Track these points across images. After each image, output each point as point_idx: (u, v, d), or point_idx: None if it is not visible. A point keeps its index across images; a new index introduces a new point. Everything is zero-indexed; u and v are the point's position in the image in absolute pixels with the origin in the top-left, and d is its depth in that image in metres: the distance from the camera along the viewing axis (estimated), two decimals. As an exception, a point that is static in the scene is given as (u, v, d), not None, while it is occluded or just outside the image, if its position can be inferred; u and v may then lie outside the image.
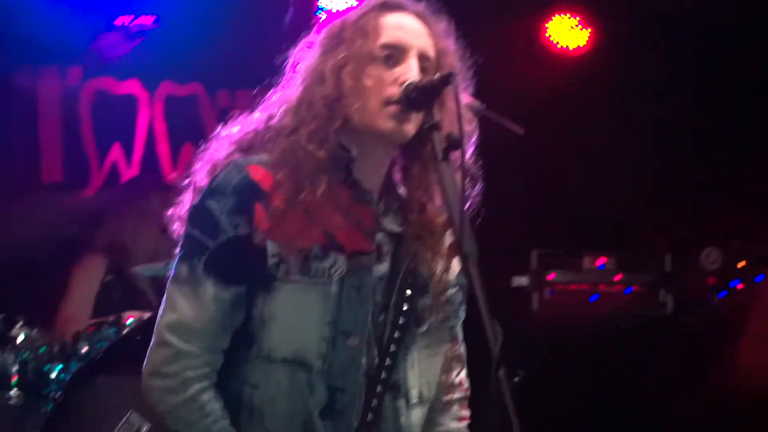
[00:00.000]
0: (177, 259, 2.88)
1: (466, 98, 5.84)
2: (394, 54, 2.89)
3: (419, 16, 2.97)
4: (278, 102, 2.97)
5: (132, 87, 7.33)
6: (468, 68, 3.07)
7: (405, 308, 2.94)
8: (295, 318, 2.84)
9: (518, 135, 6.64)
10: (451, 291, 3.01)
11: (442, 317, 3.00)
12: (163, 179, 7.05)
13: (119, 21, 7.14)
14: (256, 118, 2.99)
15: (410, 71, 2.86)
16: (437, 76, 2.79)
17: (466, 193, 2.73)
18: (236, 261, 2.83)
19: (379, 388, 2.91)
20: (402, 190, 3.00)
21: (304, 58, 2.98)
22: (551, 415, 7.00)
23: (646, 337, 7.16)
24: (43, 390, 5.30)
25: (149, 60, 7.24)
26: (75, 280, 5.94)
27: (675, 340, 7.20)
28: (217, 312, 2.83)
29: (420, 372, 2.99)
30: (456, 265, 2.99)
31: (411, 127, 2.86)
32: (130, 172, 7.19)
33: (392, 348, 2.92)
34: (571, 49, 7.71)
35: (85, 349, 5.38)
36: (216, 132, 3.01)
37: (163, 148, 7.29)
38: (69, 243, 6.32)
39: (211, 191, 2.85)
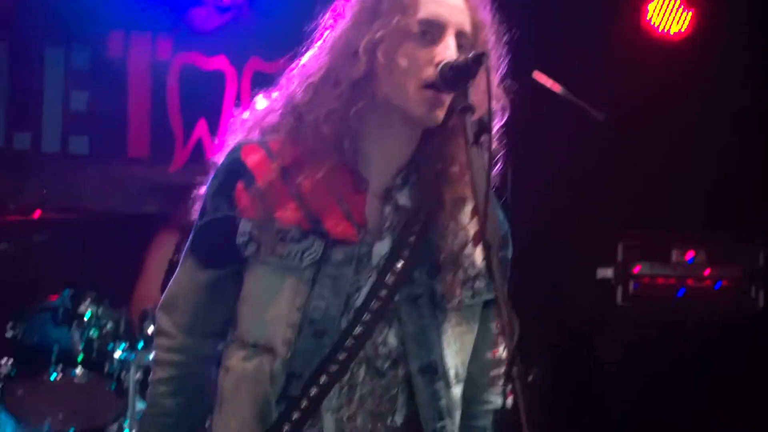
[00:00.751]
0: None
1: (549, 82, 5.70)
2: (431, 31, 2.78)
3: None
4: (300, 75, 2.86)
5: (220, 63, 7.31)
6: (504, 42, 2.94)
7: (391, 281, 2.78)
8: (266, 301, 2.79)
9: (600, 121, 6.55)
10: (478, 266, 2.87)
11: (471, 293, 2.86)
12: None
13: (210, -6, 7.15)
14: (275, 97, 2.89)
15: (447, 50, 2.76)
16: (471, 55, 2.68)
17: (491, 177, 2.58)
18: (214, 243, 2.83)
19: (343, 356, 2.77)
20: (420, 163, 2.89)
21: (333, 28, 2.85)
22: (634, 412, 6.85)
23: (735, 334, 6.93)
24: (106, 368, 5.32)
25: (238, 36, 7.23)
26: (150, 257, 5.95)
27: (766, 337, 6.97)
28: (193, 292, 2.87)
29: (456, 350, 2.86)
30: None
31: (443, 113, 2.77)
32: (215, 149, 7.17)
33: (366, 316, 2.77)
34: (672, 33, 7.48)
35: (150, 329, 5.38)
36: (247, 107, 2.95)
37: (249, 126, 7.24)
38: (148, 219, 6.33)
39: (212, 173, 2.85)
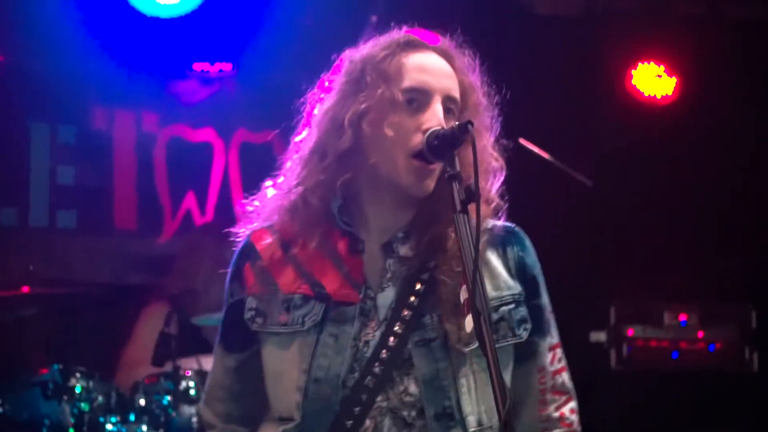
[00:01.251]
0: None
1: (535, 149, 5.74)
2: (418, 98, 2.78)
3: (443, 53, 2.87)
4: (292, 152, 2.89)
5: (207, 135, 7.32)
6: (495, 103, 2.95)
7: (401, 329, 2.76)
8: (279, 371, 2.82)
9: (588, 186, 6.57)
10: (500, 309, 2.83)
11: (494, 338, 2.73)
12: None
13: (197, 67, 7.15)
14: (280, 181, 2.90)
15: (434, 118, 2.75)
16: (456, 125, 2.67)
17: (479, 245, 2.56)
18: (233, 327, 2.89)
19: (358, 409, 2.75)
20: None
21: (321, 101, 2.86)
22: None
23: (730, 397, 6.90)
24: (97, 441, 5.28)
25: (224, 107, 7.25)
26: (139, 327, 5.92)
27: (761, 399, 6.93)
28: (225, 380, 2.94)
29: (478, 398, 2.78)
30: (504, 281, 2.85)
31: (433, 182, 2.77)
32: (203, 220, 7.17)
33: (377, 367, 2.75)
34: (658, 97, 7.53)
35: (142, 402, 5.35)
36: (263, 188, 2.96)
37: (237, 196, 7.26)
38: (136, 291, 6.30)
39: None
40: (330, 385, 2.74)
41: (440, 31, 2.98)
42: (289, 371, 2.78)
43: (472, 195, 2.59)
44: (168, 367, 5.47)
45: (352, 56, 2.87)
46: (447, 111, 2.80)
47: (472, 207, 2.58)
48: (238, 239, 2.94)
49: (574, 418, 2.93)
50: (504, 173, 2.93)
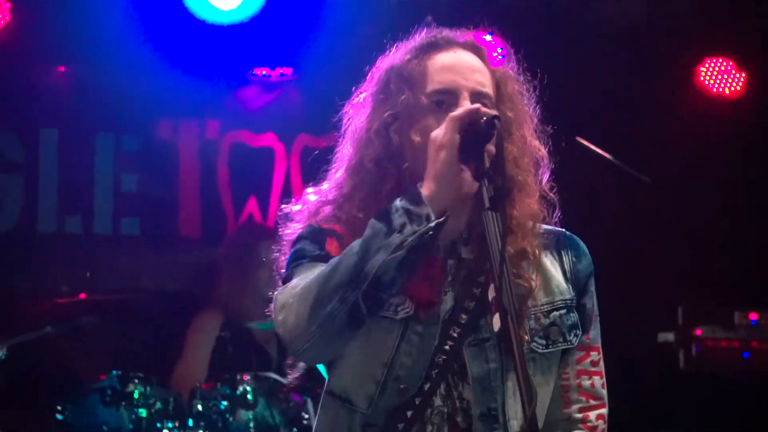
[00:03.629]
0: None
1: (592, 147, 5.65)
2: (446, 99, 2.74)
3: (471, 47, 2.82)
4: (337, 166, 2.87)
5: (269, 140, 7.33)
6: (534, 88, 2.90)
7: (457, 333, 2.72)
8: (358, 351, 2.73)
9: (649, 184, 6.46)
10: (552, 314, 2.80)
11: (544, 342, 2.77)
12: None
13: (258, 72, 7.17)
14: (324, 188, 2.88)
15: None
16: (483, 120, 2.62)
17: (507, 245, 2.52)
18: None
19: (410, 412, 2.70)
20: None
21: (356, 113, 2.86)
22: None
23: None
24: (156, 447, 5.30)
25: (285, 112, 7.25)
26: (191, 335, 5.92)
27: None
28: None
29: (524, 402, 2.68)
30: (556, 285, 2.81)
31: (470, 176, 2.68)
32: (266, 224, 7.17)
33: (433, 371, 2.70)
34: (727, 92, 7.40)
35: (199, 407, 5.35)
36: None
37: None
38: (197, 299, 6.32)
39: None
40: (411, 385, 2.70)
41: (469, 27, 2.94)
42: (362, 356, 2.72)
43: (500, 192, 2.56)
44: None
45: (380, 65, 2.86)
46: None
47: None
48: (288, 236, 2.86)
49: (601, 424, 2.86)
50: (550, 164, 2.88)
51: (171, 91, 6.98)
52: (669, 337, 6.89)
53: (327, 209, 2.83)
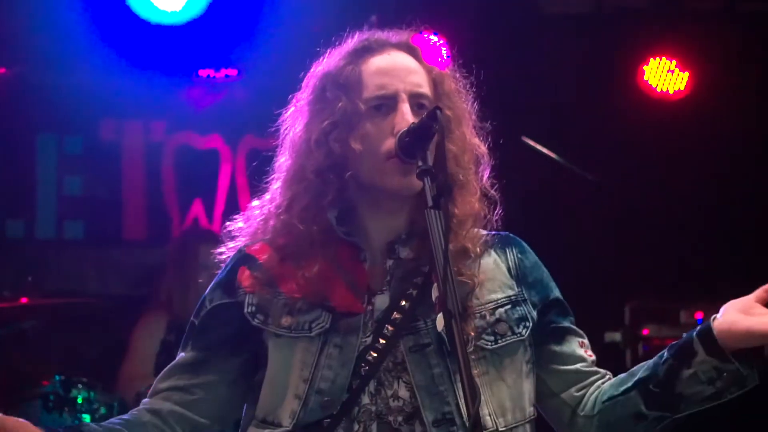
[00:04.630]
0: None
1: (538, 146, 5.67)
2: (384, 103, 2.73)
3: (406, 48, 2.81)
4: (277, 176, 2.86)
5: (214, 141, 7.28)
6: (471, 85, 2.89)
7: (390, 332, 2.72)
8: (275, 374, 2.73)
9: (595, 183, 6.48)
10: (497, 311, 2.79)
11: (492, 338, 2.75)
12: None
13: (203, 73, 7.11)
14: (266, 199, 2.89)
15: (403, 119, 2.69)
16: (425, 115, 2.61)
17: (449, 244, 2.51)
18: (210, 328, 2.86)
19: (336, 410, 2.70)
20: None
21: (293, 123, 2.84)
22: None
23: (752, 395, 6.76)
24: (100, 452, 5.21)
25: (231, 114, 7.20)
26: (135, 338, 5.86)
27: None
28: (182, 372, 2.90)
29: (484, 399, 2.71)
30: (500, 284, 2.82)
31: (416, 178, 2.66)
32: (212, 228, 7.12)
33: (363, 368, 2.70)
34: (671, 92, 7.43)
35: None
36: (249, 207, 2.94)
37: (244, 203, 7.18)
38: (141, 302, 6.25)
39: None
40: (335, 397, 2.68)
41: (404, 26, 2.93)
42: (286, 376, 2.72)
43: (443, 189, 2.54)
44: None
45: (314, 72, 2.84)
46: (419, 107, 2.74)
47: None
48: (223, 257, 2.89)
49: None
50: (490, 160, 2.88)
51: (115, 92, 6.93)
52: (616, 336, 6.91)
53: (265, 221, 2.84)
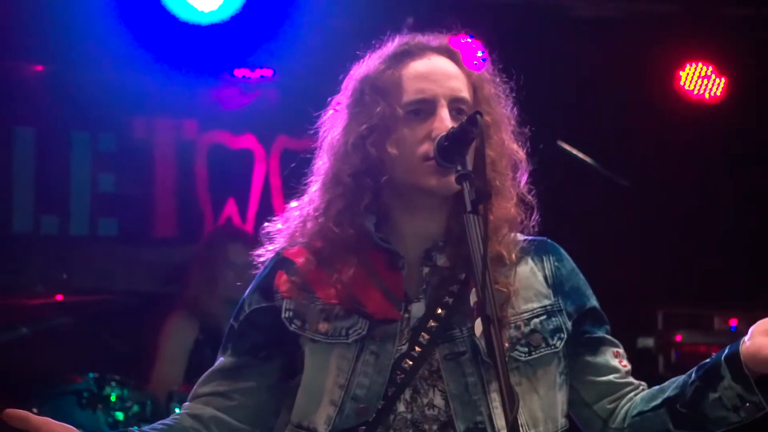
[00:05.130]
0: None
1: (574, 151, 5.63)
2: (423, 108, 2.72)
3: (446, 52, 2.80)
4: (314, 178, 2.86)
5: (248, 141, 7.29)
6: (510, 89, 2.88)
7: (425, 340, 2.71)
8: (312, 379, 2.74)
9: (626, 187, 6.44)
10: (532, 321, 2.78)
11: (526, 350, 2.74)
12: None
13: (238, 73, 7.12)
14: (304, 202, 2.88)
15: (442, 124, 2.68)
16: (465, 119, 2.61)
17: (489, 249, 2.49)
18: (250, 333, 2.87)
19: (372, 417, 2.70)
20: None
21: (331, 126, 2.84)
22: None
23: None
24: (132, 450, 5.23)
25: (265, 114, 7.21)
26: (167, 337, 5.86)
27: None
28: (224, 377, 2.92)
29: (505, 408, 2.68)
30: (535, 292, 2.80)
31: (454, 178, 2.65)
32: (245, 227, 7.13)
33: (399, 376, 2.70)
34: (707, 97, 7.40)
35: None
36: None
37: (278, 203, 7.21)
38: (174, 300, 6.26)
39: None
40: (370, 404, 2.69)
41: (461, 32, 2.93)
42: (322, 382, 2.73)
43: (482, 194, 2.52)
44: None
45: (354, 75, 2.84)
46: (458, 112, 2.73)
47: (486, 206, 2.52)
48: (261, 260, 2.90)
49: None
50: (528, 166, 2.87)
51: (149, 91, 6.94)
52: (649, 342, 6.90)
53: (302, 224, 2.84)
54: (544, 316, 2.79)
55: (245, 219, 7.19)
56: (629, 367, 2.87)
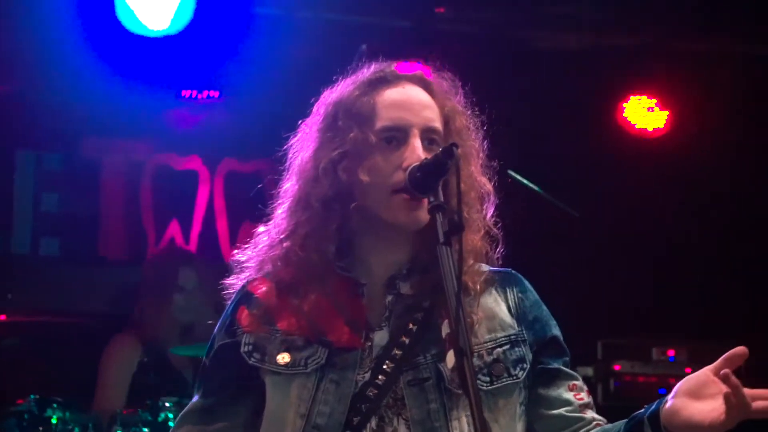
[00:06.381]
0: None
1: (525, 181, 5.65)
2: (396, 136, 2.72)
3: (420, 82, 2.80)
4: (281, 201, 2.83)
5: (193, 163, 7.26)
6: (481, 123, 2.89)
7: (390, 368, 2.70)
8: (275, 410, 2.72)
9: (576, 218, 6.49)
10: (495, 350, 2.76)
11: (488, 380, 2.73)
12: (222, 257, 7.00)
13: (186, 93, 7.08)
14: (268, 229, 2.86)
15: (413, 154, 2.68)
16: (440, 150, 2.61)
17: (462, 279, 2.50)
18: (218, 370, 2.86)
19: None
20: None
21: (301, 148, 2.81)
22: None
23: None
24: (74, 473, 5.18)
25: (211, 136, 7.18)
26: (110, 358, 5.80)
27: (749, 435, 6.84)
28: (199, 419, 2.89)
29: None
30: (500, 322, 2.79)
31: (423, 214, 2.66)
32: (187, 249, 7.09)
33: (363, 405, 2.68)
34: (650, 130, 7.49)
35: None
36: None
37: (221, 226, 7.19)
38: (119, 321, 6.20)
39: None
40: None
41: (417, 59, 2.93)
42: (284, 413, 2.70)
43: (455, 226, 2.53)
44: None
45: (327, 99, 2.82)
46: (430, 142, 2.73)
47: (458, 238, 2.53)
48: (230, 291, 2.89)
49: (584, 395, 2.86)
50: (494, 200, 2.88)
51: (96, 110, 6.86)
52: (588, 371, 6.94)
53: (273, 251, 2.82)
54: (508, 346, 2.78)
55: (188, 240, 7.15)
56: (587, 400, 2.83)
